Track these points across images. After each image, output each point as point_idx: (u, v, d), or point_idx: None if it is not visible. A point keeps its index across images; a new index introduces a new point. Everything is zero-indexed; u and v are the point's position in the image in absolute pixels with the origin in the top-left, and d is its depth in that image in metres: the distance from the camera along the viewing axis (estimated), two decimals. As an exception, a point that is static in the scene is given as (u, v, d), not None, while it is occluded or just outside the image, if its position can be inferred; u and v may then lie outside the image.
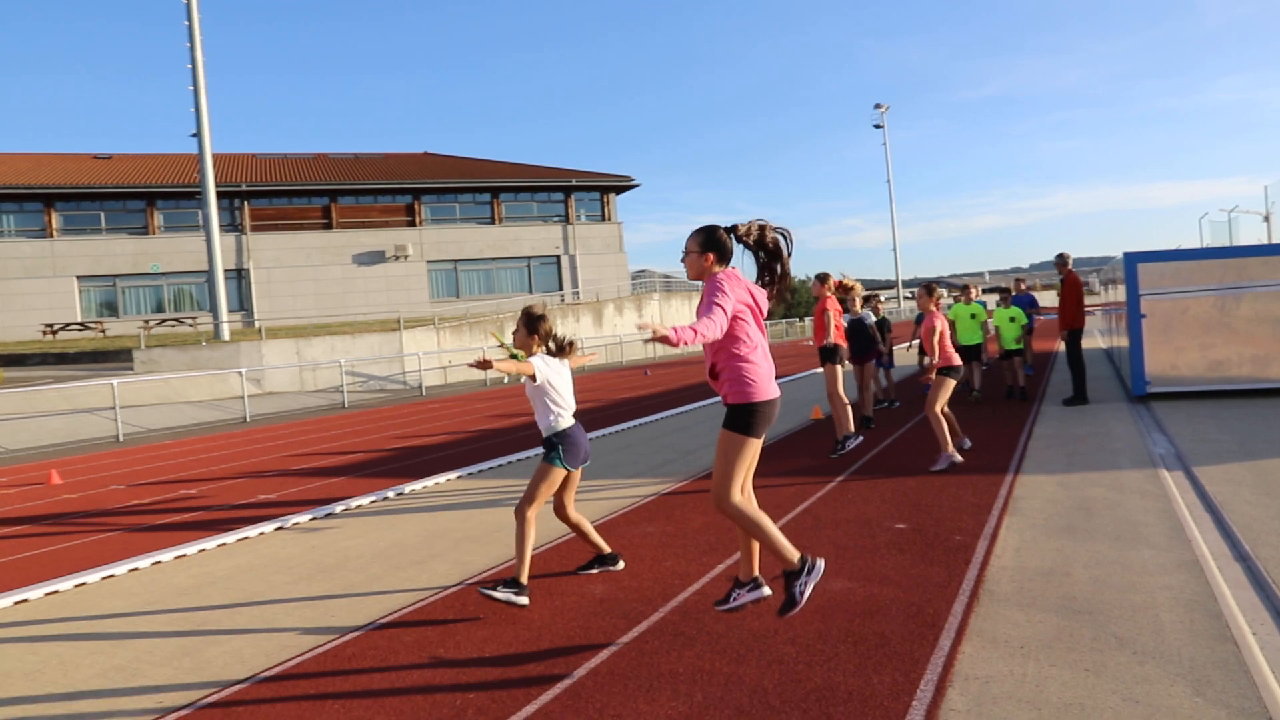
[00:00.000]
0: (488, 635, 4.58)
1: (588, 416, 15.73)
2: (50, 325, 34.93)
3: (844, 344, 9.48)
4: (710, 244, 4.13)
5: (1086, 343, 13.22)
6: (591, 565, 5.60)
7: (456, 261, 43.98)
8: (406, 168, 46.67)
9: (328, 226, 41.94)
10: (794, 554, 4.00)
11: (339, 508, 8.41)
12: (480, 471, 10.21)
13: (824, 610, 4.53)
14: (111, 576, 6.44)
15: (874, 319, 12.58)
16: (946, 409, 8.46)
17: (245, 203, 40.58)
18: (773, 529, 4.01)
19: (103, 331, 35.99)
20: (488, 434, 14.06)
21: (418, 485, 9.43)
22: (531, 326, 5.33)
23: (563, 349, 5.39)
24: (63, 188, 37.80)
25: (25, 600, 5.93)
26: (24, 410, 19.17)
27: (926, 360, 9.00)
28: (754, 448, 4.01)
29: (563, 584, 5.40)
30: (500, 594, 4.84)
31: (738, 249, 4.20)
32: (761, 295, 4.14)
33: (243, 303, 40.03)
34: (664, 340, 3.56)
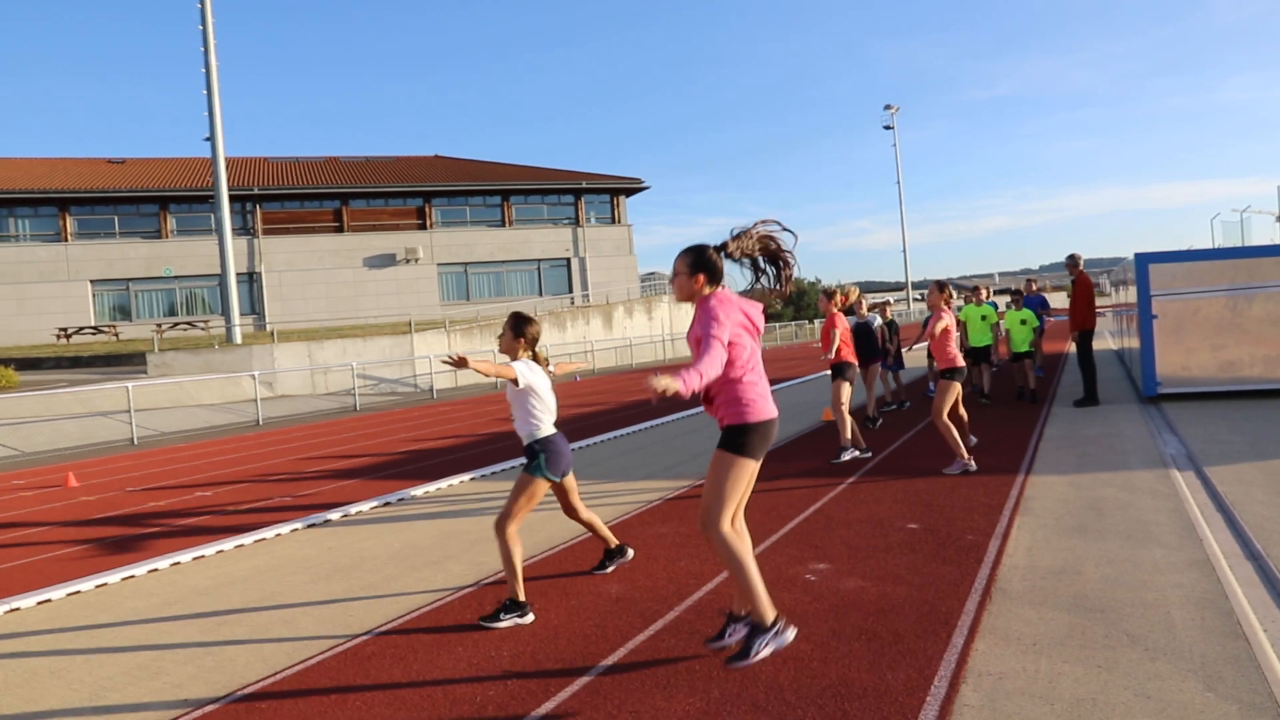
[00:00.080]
0: (505, 634, 4.64)
1: (598, 419, 15.80)
2: (64, 329, 35.18)
3: (854, 361, 9.45)
4: (700, 265, 3.88)
5: (1097, 344, 13.22)
6: (604, 563, 5.63)
7: (467, 264, 44.13)
8: (417, 170, 46.87)
9: (339, 230, 42.15)
10: (770, 611, 3.71)
11: (353, 509, 8.49)
12: (493, 474, 10.28)
13: (838, 609, 4.58)
14: (132, 577, 6.52)
15: (880, 322, 12.61)
16: (961, 410, 8.35)
17: (257, 206, 40.81)
18: (756, 575, 3.72)
19: (116, 335, 36.23)
20: (499, 436, 14.13)
21: (430, 487, 9.51)
22: (518, 329, 5.21)
23: (540, 362, 5.28)
24: (77, 192, 38.09)
25: (48, 600, 6.02)
26: (40, 413, 19.34)
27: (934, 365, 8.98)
28: (750, 470, 3.78)
29: (578, 584, 5.46)
30: (505, 621, 4.76)
31: (731, 265, 4.01)
32: (756, 310, 3.94)
33: (254, 306, 40.26)
34: (676, 395, 3.37)
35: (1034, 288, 16.09)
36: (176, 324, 36.31)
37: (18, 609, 5.84)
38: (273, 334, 29.17)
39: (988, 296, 13.91)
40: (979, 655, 3.85)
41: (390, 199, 43.27)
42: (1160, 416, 10.67)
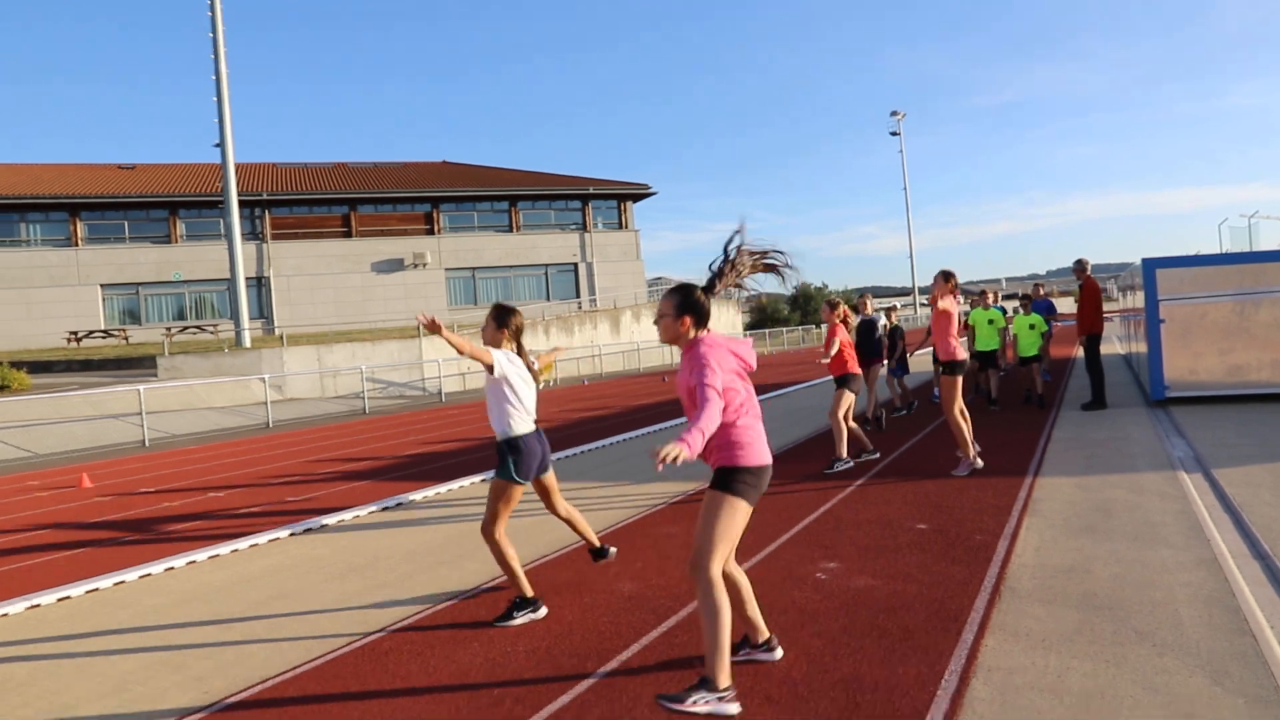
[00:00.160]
0: (520, 631, 4.70)
1: (607, 422, 15.87)
2: (75, 332, 35.38)
3: (858, 373, 9.43)
4: (687, 307, 3.73)
5: (1105, 348, 13.27)
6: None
7: (475, 269, 44.27)
8: (425, 176, 47.04)
9: (347, 235, 42.33)
10: (727, 676, 3.40)
11: (365, 511, 8.57)
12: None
13: (849, 606, 4.64)
14: (149, 575, 6.61)
15: (884, 322, 12.61)
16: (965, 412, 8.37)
17: (266, 211, 41.01)
18: (728, 632, 3.43)
19: (126, 339, 36.42)
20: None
21: (442, 489, 9.59)
22: (501, 320, 5.09)
23: (526, 365, 5.14)
24: (88, 198, 38.32)
25: (68, 597, 6.10)
26: (52, 416, 19.47)
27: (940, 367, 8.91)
28: (744, 514, 3.58)
29: (591, 582, 5.53)
30: (519, 619, 4.80)
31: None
32: (746, 348, 3.79)
33: (263, 310, 40.43)
34: (688, 459, 3.25)
35: (1041, 292, 16.11)
36: (186, 328, 36.48)
37: (38, 605, 5.93)
38: (282, 338, 29.30)
39: (995, 301, 13.93)
40: (989, 651, 3.91)
41: (398, 204, 43.44)
42: (1168, 420, 10.71)
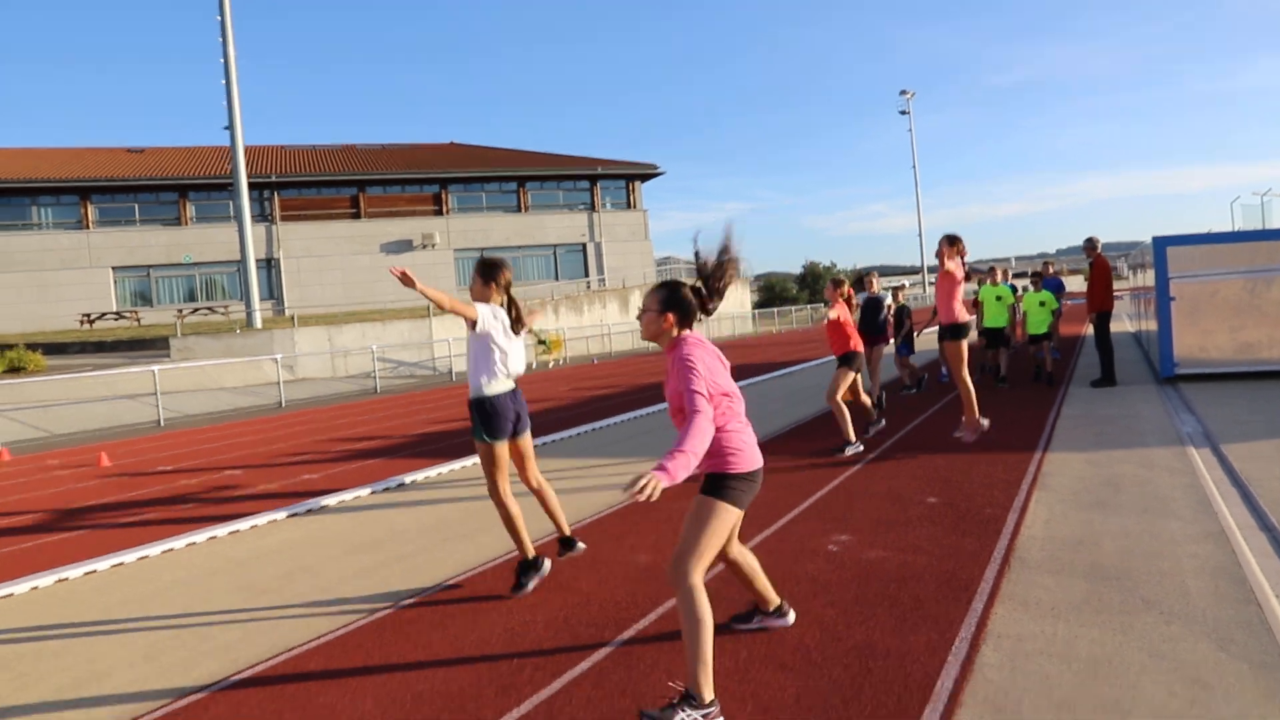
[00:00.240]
0: (538, 601, 4.80)
1: (615, 400, 15.96)
2: (87, 314, 35.60)
3: (860, 350, 9.17)
4: (671, 303, 3.57)
5: (1115, 326, 13.30)
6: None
7: (483, 250, 44.29)
8: (433, 158, 47.04)
9: (356, 216, 42.41)
10: (710, 690, 3.20)
11: (380, 487, 8.68)
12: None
13: (860, 577, 4.73)
14: (171, 550, 6.73)
15: (891, 300, 12.45)
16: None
17: (275, 193, 41.10)
18: (709, 644, 3.23)
19: (138, 320, 36.64)
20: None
21: (455, 465, 9.69)
22: (488, 274, 4.91)
23: (515, 316, 4.96)
24: (98, 180, 38.46)
25: (94, 571, 6.23)
26: (68, 396, 19.66)
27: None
28: (733, 520, 3.46)
29: (607, 553, 5.62)
30: (530, 585, 4.87)
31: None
32: (724, 358, 3.66)
33: (273, 291, 40.59)
34: (673, 480, 3.11)
35: (1050, 271, 16.09)
36: (197, 309, 36.68)
37: (66, 579, 6.05)
38: (293, 318, 29.45)
39: (1006, 279, 13.93)
40: (998, 619, 3.99)
41: (407, 186, 43.49)
42: (1177, 396, 10.74)
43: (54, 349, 28.57)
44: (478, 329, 4.74)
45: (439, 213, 43.65)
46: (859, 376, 9.25)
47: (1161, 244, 12.11)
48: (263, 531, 7.19)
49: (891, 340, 12.54)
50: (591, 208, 46.60)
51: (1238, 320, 11.81)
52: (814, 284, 72.49)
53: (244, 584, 5.64)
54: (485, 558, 5.81)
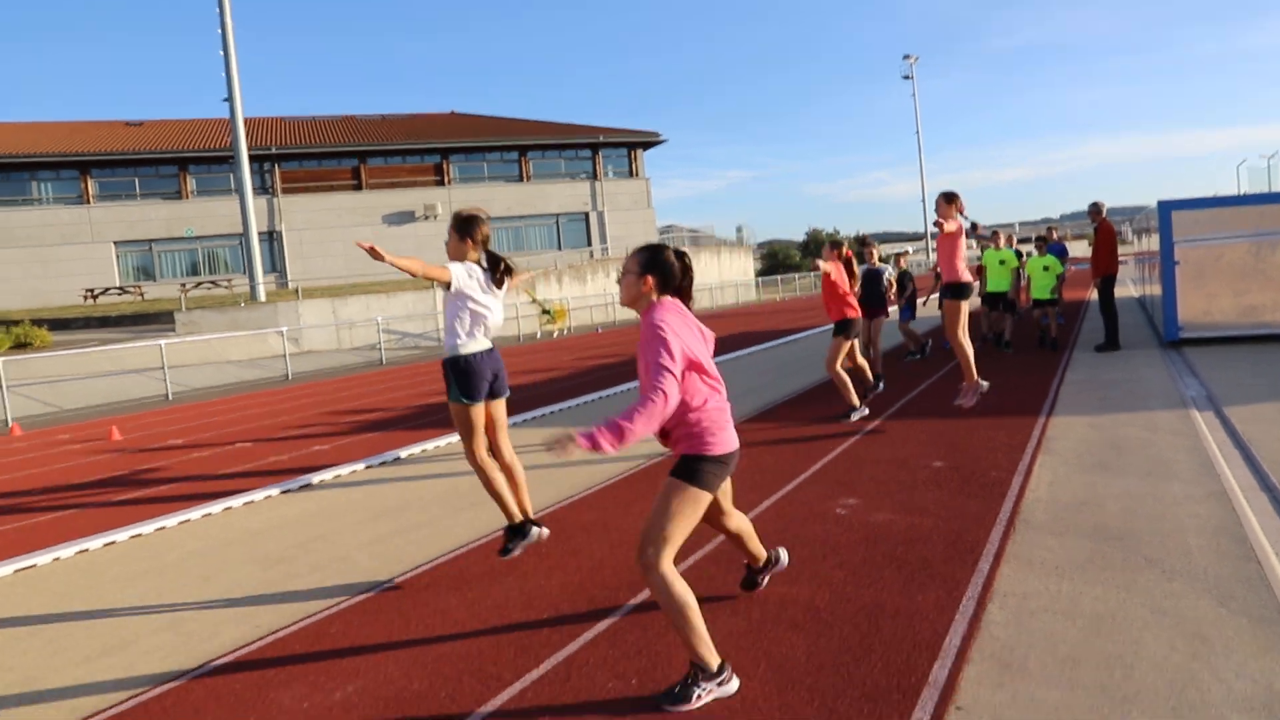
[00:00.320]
0: (552, 566, 4.90)
1: (619, 370, 16.03)
2: (91, 290, 35.62)
3: (857, 316, 8.96)
4: (652, 265, 3.41)
5: (1119, 291, 13.34)
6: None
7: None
8: (434, 128, 46.80)
9: (357, 188, 42.29)
10: (715, 657, 3.23)
11: (390, 457, 8.78)
12: (524, 422, 10.54)
13: (868, 539, 4.82)
14: (188, 521, 6.84)
15: (891, 272, 12.33)
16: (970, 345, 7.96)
17: (276, 166, 40.96)
18: (698, 620, 3.20)
19: (141, 295, 36.68)
20: (525, 386, 14.39)
21: (465, 436, 9.78)
22: (464, 229, 4.73)
23: (498, 269, 4.76)
24: (98, 155, 38.34)
25: (113, 542, 6.34)
26: (75, 372, 19.77)
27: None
28: (703, 504, 3.31)
29: (618, 520, 5.72)
30: (515, 549, 4.82)
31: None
32: (706, 330, 3.51)
33: (275, 264, 40.56)
34: (594, 448, 3.03)
35: (1055, 236, 16.07)
36: (200, 283, 36.70)
37: (87, 550, 6.17)
38: (297, 291, 29.51)
39: (1011, 244, 13.93)
40: (1004, 578, 4.08)
41: (408, 156, 43.31)
42: (1181, 360, 10.80)
43: (59, 324, 28.67)
44: (453, 289, 4.60)
45: (440, 183, 43.50)
46: (855, 341, 9.11)
47: (1166, 208, 12.10)
48: (276, 502, 7.29)
49: (895, 307, 12.52)
50: (594, 176, 46.43)
51: (1242, 284, 11.83)
52: (817, 252, 72.32)
53: (261, 554, 5.75)
54: (497, 525, 5.89)
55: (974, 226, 8.47)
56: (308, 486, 7.79)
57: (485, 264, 4.82)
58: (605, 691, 3.33)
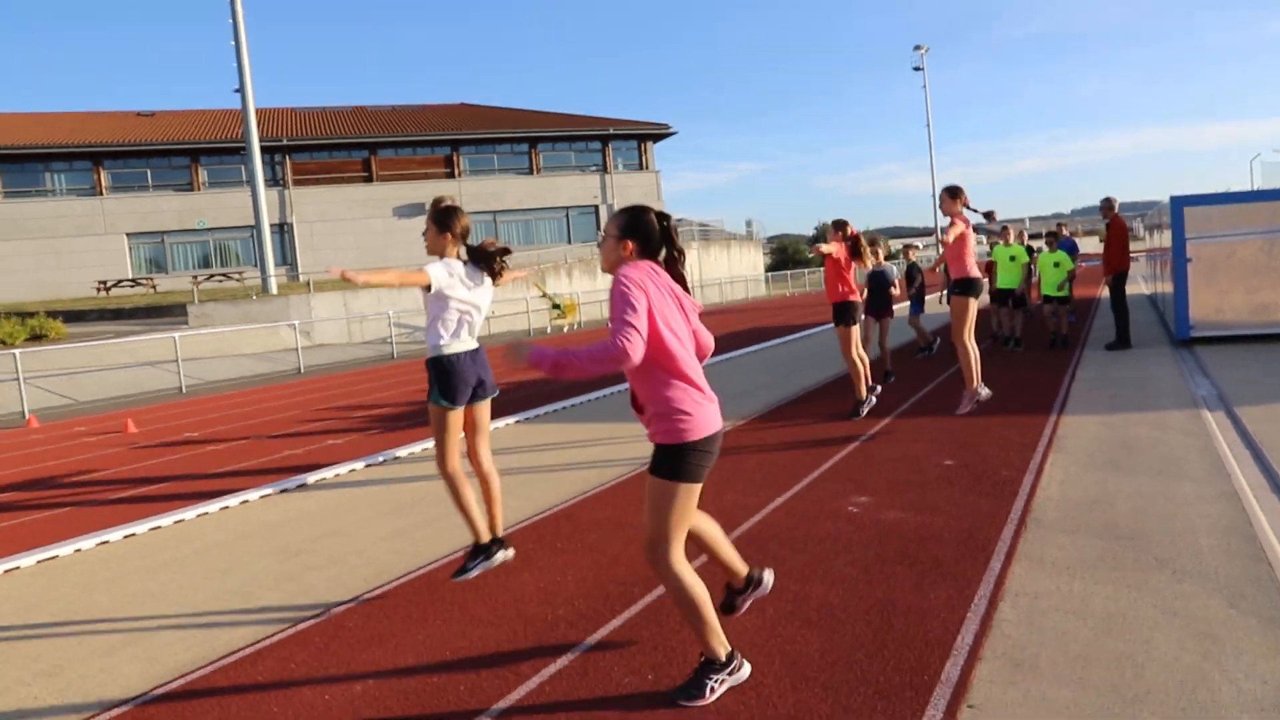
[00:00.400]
0: (567, 563, 4.96)
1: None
2: (104, 282, 35.84)
3: (857, 300, 8.84)
4: (633, 228, 3.24)
5: (1130, 288, 13.27)
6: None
7: (496, 212, 44.27)
8: (444, 119, 46.85)
9: (368, 180, 42.40)
10: (724, 646, 3.23)
11: (403, 451, 8.85)
12: (535, 417, 10.60)
13: (880, 537, 4.87)
14: (206, 514, 6.92)
15: (896, 272, 12.21)
16: (975, 349, 7.75)
17: (287, 157, 41.08)
18: (709, 611, 3.19)
19: (153, 287, 36.87)
20: (536, 382, 14.46)
21: (478, 430, 9.84)
22: (444, 222, 4.47)
23: (488, 260, 4.48)
24: (110, 146, 38.50)
25: (133, 535, 6.42)
26: (90, 364, 19.92)
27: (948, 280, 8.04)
28: (694, 495, 3.19)
29: (631, 517, 5.77)
30: (473, 571, 4.49)
31: None
32: (689, 299, 3.31)
33: (286, 256, 40.71)
34: (534, 366, 2.95)
35: (1065, 232, 16.03)
36: (212, 275, 36.90)
37: (107, 541, 6.25)
38: (309, 284, 29.62)
39: (1022, 240, 13.89)
40: (1015, 577, 4.13)
41: (418, 148, 43.39)
42: (1192, 359, 10.79)
43: (73, 316, 28.84)
44: (432, 291, 4.35)
45: (451, 175, 43.57)
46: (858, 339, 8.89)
47: (1179, 204, 12.08)
48: (291, 496, 7.37)
49: (906, 302, 12.50)
50: (604, 169, 46.43)
51: (1255, 281, 11.80)
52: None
53: (279, 547, 5.82)
54: (512, 520, 5.96)
55: (989, 215, 8.35)
56: (323, 481, 7.87)
57: (466, 257, 4.55)
58: (622, 686, 3.39)
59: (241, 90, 29.71)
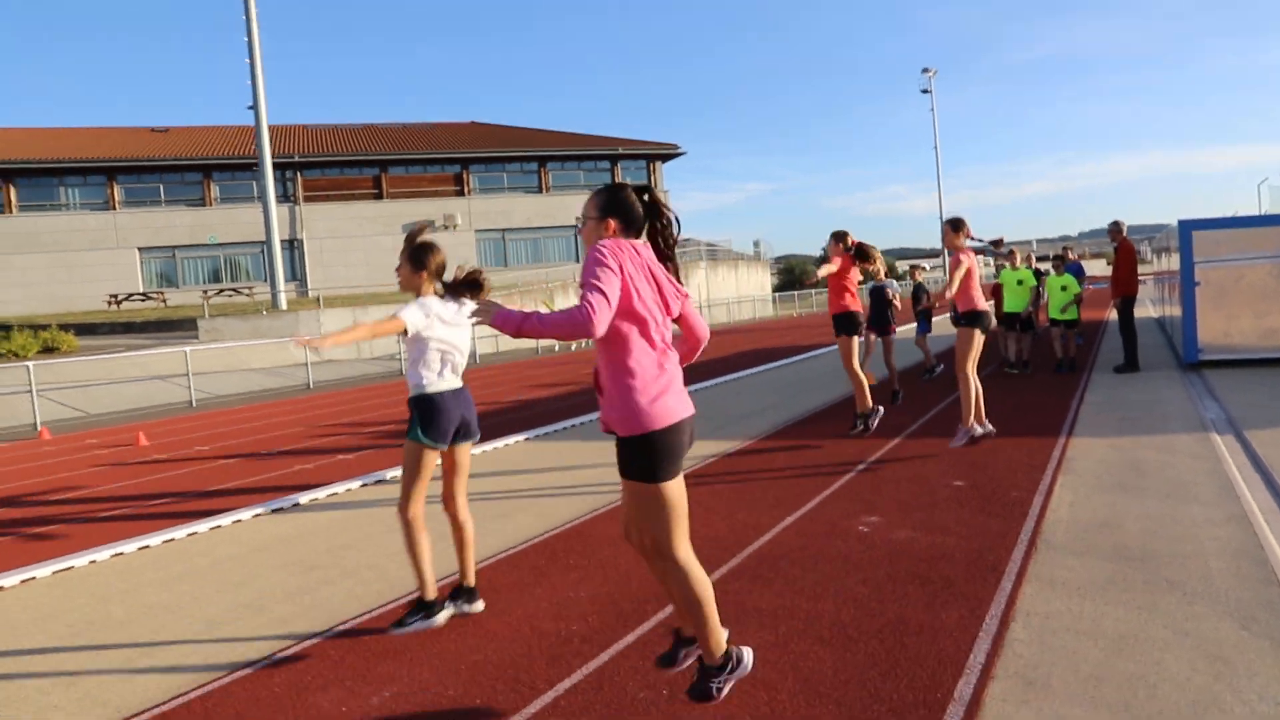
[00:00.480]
0: (580, 578, 4.99)
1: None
2: (115, 295, 36.06)
3: (858, 310, 8.61)
4: (613, 206, 3.09)
5: (1138, 311, 13.30)
6: (443, 604, 4.38)
7: (505, 230, 44.51)
8: (454, 137, 47.20)
9: (378, 197, 42.67)
10: (721, 646, 3.13)
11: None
12: (544, 434, 10.65)
13: (891, 556, 4.89)
14: (219, 527, 6.97)
15: (897, 287, 12.15)
16: (978, 384, 7.67)
17: (298, 174, 41.39)
18: (713, 608, 3.09)
19: (164, 301, 37.09)
20: (544, 400, 14.52)
21: (488, 447, 9.89)
22: (419, 260, 4.26)
23: (469, 288, 4.14)
24: (124, 161, 38.86)
25: (146, 547, 6.47)
26: (101, 377, 20.04)
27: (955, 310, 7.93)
28: (676, 490, 3.02)
29: (642, 534, 5.80)
30: (410, 627, 4.22)
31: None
32: (673, 284, 3.11)
33: (296, 272, 40.94)
34: (498, 325, 2.80)
35: (1071, 255, 16.06)
36: (222, 290, 37.09)
37: (121, 553, 6.30)
38: (318, 300, 29.78)
39: (1030, 263, 13.93)
40: (1027, 598, 4.15)
41: (428, 166, 43.70)
42: (1201, 383, 10.81)
43: (84, 329, 29.03)
44: (410, 334, 4.17)
45: (460, 193, 43.84)
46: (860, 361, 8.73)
47: (1187, 228, 12.13)
48: (305, 510, 7.42)
49: (913, 324, 12.49)
50: (612, 189, 46.69)
51: (1263, 305, 11.83)
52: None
53: (293, 560, 5.86)
54: (524, 537, 6.01)
55: (996, 243, 8.40)
56: (334, 496, 7.91)
57: (443, 293, 4.30)
58: (636, 701, 3.42)
59: (255, 107, 29.99)
